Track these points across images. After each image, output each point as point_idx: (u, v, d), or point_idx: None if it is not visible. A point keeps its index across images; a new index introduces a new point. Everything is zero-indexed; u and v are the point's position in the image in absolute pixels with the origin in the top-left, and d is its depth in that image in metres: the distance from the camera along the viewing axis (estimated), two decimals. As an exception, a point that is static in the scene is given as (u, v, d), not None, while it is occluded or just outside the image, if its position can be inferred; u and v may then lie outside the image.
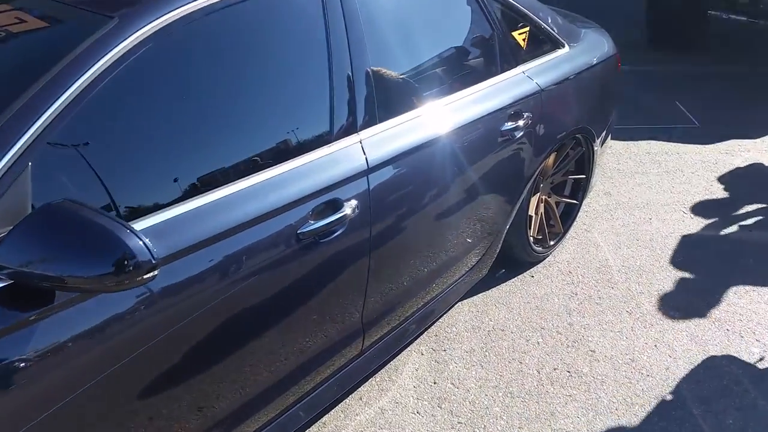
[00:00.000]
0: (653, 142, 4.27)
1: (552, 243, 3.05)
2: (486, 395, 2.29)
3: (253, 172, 1.55)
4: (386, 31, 1.99)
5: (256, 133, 1.61)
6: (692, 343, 2.53)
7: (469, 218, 2.34)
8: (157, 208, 1.38)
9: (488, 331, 2.60)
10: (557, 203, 3.08)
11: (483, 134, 2.26)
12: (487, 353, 2.48)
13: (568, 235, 3.20)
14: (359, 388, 2.27)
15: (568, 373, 2.39)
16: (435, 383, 2.33)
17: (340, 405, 2.19)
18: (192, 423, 1.55)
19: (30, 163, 1.20)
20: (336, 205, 1.71)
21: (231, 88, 1.57)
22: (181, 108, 1.47)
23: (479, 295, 2.79)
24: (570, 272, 2.97)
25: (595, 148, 3.03)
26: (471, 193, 2.27)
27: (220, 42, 1.54)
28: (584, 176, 3.10)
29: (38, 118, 1.20)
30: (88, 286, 1.13)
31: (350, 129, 1.79)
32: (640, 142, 4.28)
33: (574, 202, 3.14)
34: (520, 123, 2.39)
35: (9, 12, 1.47)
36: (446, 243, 2.27)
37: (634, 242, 3.19)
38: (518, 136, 2.40)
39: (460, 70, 2.28)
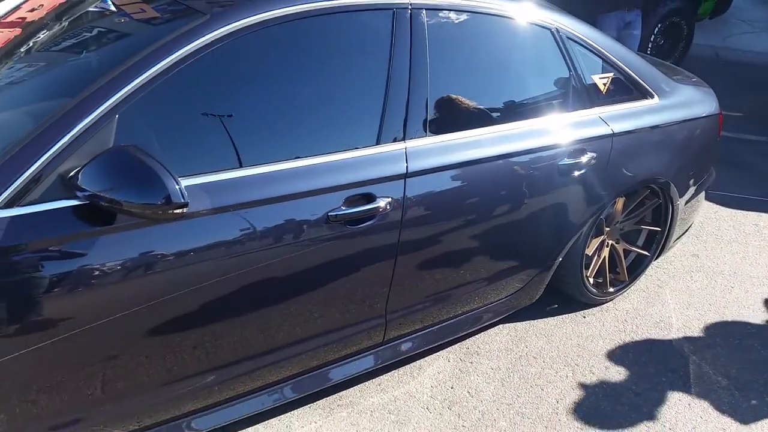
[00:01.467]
0: (765, 215, 4.05)
1: (612, 290, 3.05)
2: (497, 409, 2.39)
3: (298, 158, 1.85)
4: (452, 57, 2.22)
5: (308, 124, 1.91)
6: (723, 415, 2.45)
7: (509, 243, 2.47)
8: (213, 170, 1.72)
9: (520, 355, 2.69)
10: (626, 251, 3.09)
11: (537, 164, 2.39)
12: (511, 374, 2.58)
13: (635, 287, 3.18)
14: (379, 376, 2.47)
15: (586, 410, 2.43)
16: (452, 388, 2.47)
17: (358, 386, 2.41)
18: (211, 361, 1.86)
19: (117, 115, 1.58)
20: (369, 198, 1.96)
21: (293, 84, 1.89)
22: (247, 95, 1.81)
23: (523, 322, 2.88)
24: (625, 321, 2.97)
25: (676, 204, 3.00)
26: (514, 218, 2.40)
27: (290, 46, 1.87)
28: (659, 229, 3.08)
29: (129, 84, 1.58)
30: (136, 211, 1.49)
31: (397, 136, 2.03)
32: (750, 212, 4.07)
33: (646, 253, 3.12)
34: (582, 161, 2.49)
35: (137, 3, 1.91)
36: (481, 262, 2.42)
37: (705, 306, 3.09)
38: (577, 174, 2.50)
39: (523, 102, 2.44)
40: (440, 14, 2.14)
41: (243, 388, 2.02)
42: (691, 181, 3.08)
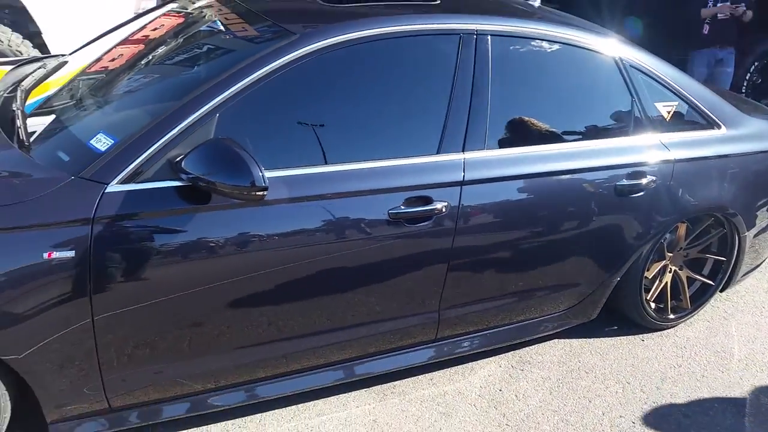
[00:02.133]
0: None
1: (673, 316, 3.08)
2: (542, 414, 2.51)
3: (366, 160, 2.11)
4: (513, 79, 2.42)
5: (376, 131, 2.18)
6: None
7: (563, 257, 2.59)
8: (292, 165, 2.01)
9: (572, 369, 2.78)
10: (690, 279, 3.11)
11: (593, 182, 2.52)
12: (561, 385, 2.68)
13: (698, 316, 3.18)
14: (432, 372, 2.65)
15: (632, 424, 2.49)
16: (500, 391, 2.61)
17: (410, 378, 2.60)
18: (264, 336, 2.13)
19: (217, 114, 1.90)
20: (427, 201, 2.18)
21: (365, 97, 2.17)
22: (325, 103, 2.11)
23: (579, 339, 2.97)
24: (684, 347, 2.99)
25: (743, 234, 3.01)
26: (568, 233, 2.54)
27: (366, 64, 2.16)
28: (725, 259, 3.08)
29: (228, 89, 1.91)
30: (227, 191, 1.79)
31: (456, 147, 2.25)
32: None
33: (710, 282, 3.12)
34: (641, 182, 2.60)
35: (237, 21, 2.27)
36: (533, 273, 2.56)
37: (772, 342, 3.05)
38: (636, 196, 2.61)
39: (581, 123, 2.59)
40: (504, 40, 2.36)
41: (308, 363, 2.27)
42: (762, 214, 3.07)
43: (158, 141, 1.85)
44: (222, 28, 2.35)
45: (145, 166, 1.84)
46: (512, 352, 2.84)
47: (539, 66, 2.51)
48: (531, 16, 2.59)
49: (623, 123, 2.66)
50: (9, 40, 3.92)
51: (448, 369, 2.69)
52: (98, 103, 2.22)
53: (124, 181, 1.82)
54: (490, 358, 2.78)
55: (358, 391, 2.49)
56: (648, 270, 2.91)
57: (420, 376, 2.62)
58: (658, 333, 3.07)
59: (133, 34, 2.67)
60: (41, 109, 2.27)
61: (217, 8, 2.47)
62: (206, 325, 2.02)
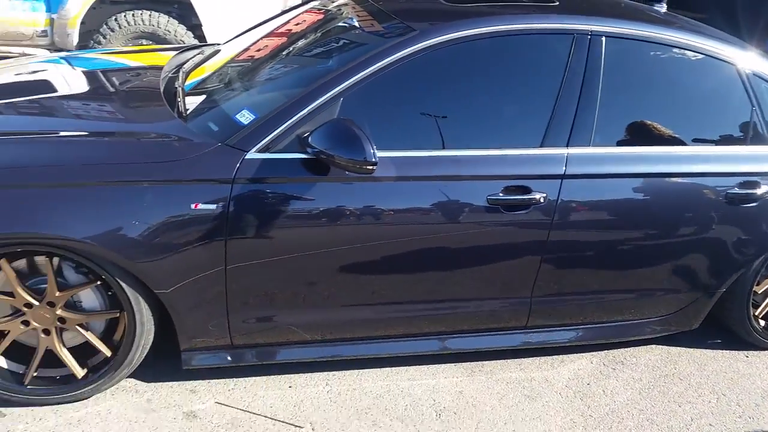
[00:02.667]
0: None
1: (784, 336, 2.96)
2: (628, 411, 2.55)
3: (470, 147, 2.28)
4: (626, 81, 2.49)
5: (482, 121, 2.35)
6: None
7: (663, 260, 2.60)
8: (402, 148, 2.23)
9: (666, 374, 2.78)
10: (807, 301, 2.97)
11: (700, 187, 2.52)
12: (652, 389, 2.69)
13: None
14: (521, 358, 2.76)
15: (720, 435, 2.47)
16: (588, 384, 2.68)
17: (499, 360, 2.73)
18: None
19: (342, 99, 2.17)
20: (525, 190, 2.32)
21: (475, 88, 2.35)
22: (437, 93, 2.31)
23: (678, 347, 2.95)
24: (794, 369, 2.87)
25: None
26: (670, 237, 2.56)
27: (478, 58, 2.33)
28: None
29: (352, 77, 2.17)
30: (343, 163, 2.05)
31: (560, 142, 2.36)
32: None
33: (832, 308, 2.97)
34: (755, 192, 2.56)
35: (368, 18, 2.53)
36: (631, 273, 2.60)
37: None
38: (748, 206, 2.57)
39: (692, 128, 2.59)
40: (618, 41, 2.43)
41: (403, 331, 2.49)
42: None
43: (291, 118, 2.15)
44: (355, 24, 2.62)
45: (278, 139, 2.14)
46: (605, 351, 2.88)
47: (653, 69, 2.54)
48: (649, 20, 2.63)
49: (740, 132, 2.63)
50: (175, 31, 4.50)
51: (537, 357, 2.79)
52: (244, 85, 2.57)
53: (260, 150, 2.13)
54: (582, 354, 2.84)
55: (447, 365, 2.67)
56: (758, 285, 2.83)
57: (508, 360, 2.75)
58: (766, 352, 2.97)
59: (278, 27, 3.02)
60: (197, 88, 2.66)
61: (351, 6, 2.75)
62: (317, 283, 2.29)
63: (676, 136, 2.58)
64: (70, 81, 2.81)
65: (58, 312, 2.15)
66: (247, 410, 2.34)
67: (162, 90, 2.58)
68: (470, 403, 2.50)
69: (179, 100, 2.45)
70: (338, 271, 2.28)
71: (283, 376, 2.52)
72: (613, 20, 2.48)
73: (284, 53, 2.75)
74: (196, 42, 4.62)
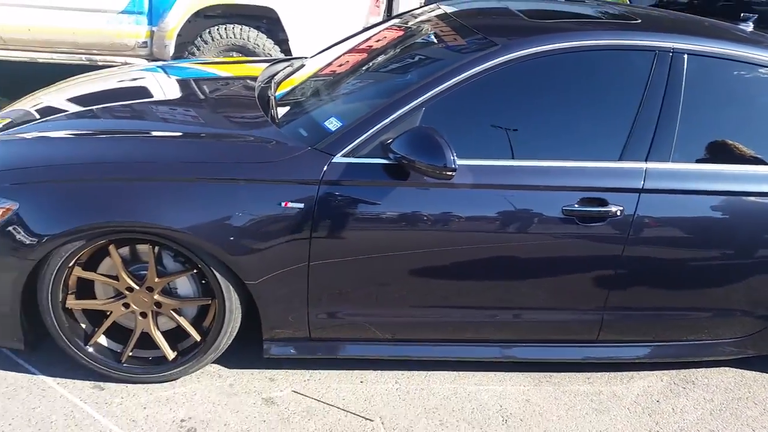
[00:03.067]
0: None
1: None
2: (697, 431, 2.52)
3: (547, 159, 2.35)
4: (708, 98, 2.49)
5: (560, 133, 2.41)
6: None
7: (740, 282, 2.56)
8: (479, 156, 2.32)
9: (740, 397, 2.72)
10: None
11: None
12: (723, 410, 2.65)
13: None
14: (589, 372, 2.77)
15: (798, 463, 2.40)
16: (657, 402, 2.66)
17: (567, 372, 2.75)
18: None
19: (424, 108, 2.29)
20: (602, 203, 2.35)
21: (555, 101, 2.42)
22: (516, 105, 2.39)
23: (754, 371, 2.88)
24: None
25: None
26: (749, 257, 2.52)
27: (558, 72, 2.40)
28: None
29: (434, 88, 2.28)
30: (423, 168, 2.15)
31: (638, 156, 2.39)
32: None
33: None
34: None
35: (451, 33, 2.64)
36: (706, 292, 2.58)
37: None
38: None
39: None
40: (700, 59, 2.44)
41: (471, 336, 2.56)
42: None
43: (375, 126, 2.28)
44: (438, 38, 2.74)
45: (363, 145, 2.27)
46: (677, 370, 2.85)
47: (736, 87, 2.54)
48: (734, 39, 2.63)
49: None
50: (263, 45, 4.76)
51: (606, 373, 2.79)
52: (331, 95, 2.73)
53: (346, 155, 2.27)
54: (652, 371, 2.82)
55: (514, 373, 2.71)
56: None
57: (576, 374, 2.77)
58: None
59: (362, 42, 3.18)
60: (288, 97, 2.84)
61: (434, 23, 2.88)
62: (391, 284, 2.40)
63: (758, 156, 2.55)
64: (165, 87, 3.07)
65: (156, 297, 2.34)
66: (321, 400, 2.47)
67: (257, 97, 2.77)
68: (537, 411, 2.54)
69: (272, 107, 2.63)
70: (411, 273, 2.38)
71: (355, 371, 2.63)
72: (695, 38, 2.50)
73: (368, 66, 2.90)
74: (282, 55, 4.86)
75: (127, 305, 2.35)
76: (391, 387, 2.58)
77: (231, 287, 2.32)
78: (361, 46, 3.16)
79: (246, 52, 4.79)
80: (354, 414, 2.42)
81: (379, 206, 2.28)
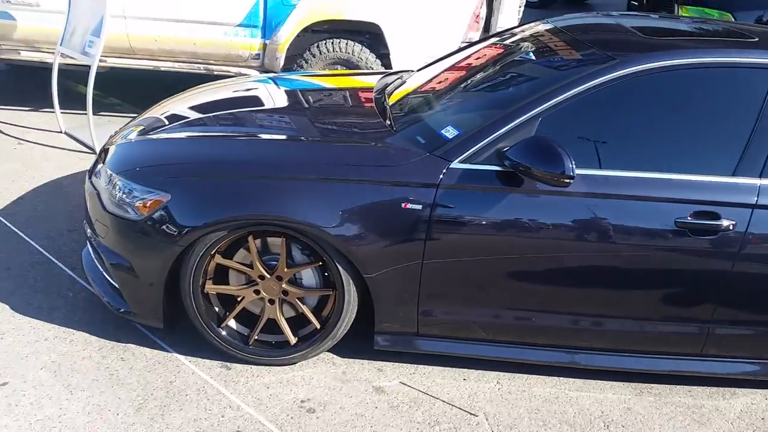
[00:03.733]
0: None
1: None
2: (807, 453, 2.48)
3: (660, 171, 2.41)
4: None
5: (673, 147, 2.46)
6: None
7: None
8: (592, 166, 2.40)
9: None
10: None
11: None
12: (836, 434, 2.59)
13: None
14: (690, 385, 2.77)
15: None
16: (763, 419, 2.64)
17: (668, 384, 2.76)
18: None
19: (540, 119, 2.40)
20: (714, 217, 2.39)
21: (669, 115, 2.47)
22: (630, 118, 2.47)
23: None
24: None
25: None
26: None
27: (674, 87, 2.46)
28: None
29: (551, 100, 2.40)
30: (540, 176, 2.27)
31: (753, 173, 2.41)
32: None
33: None
34: None
35: (564, 47, 2.75)
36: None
37: None
38: None
39: None
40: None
41: (574, 343, 2.64)
42: None
43: (492, 134, 2.41)
44: (548, 54, 2.85)
45: (479, 152, 2.41)
46: (783, 390, 2.81)
47: None
48: None
49: None
50: (366, 59, 4.99)
51: (708, 387, 2.79)
52: (444, 105, 2.88)
53: (462, 161, 2.42)
54: (757, 389, 2.79)
55: (615, 382, 2.76)
56: None
57: (678, 386, 2.78)
58: None
59: (467, 57, 3.33)
60: (401, 106, 3.01)
61: (546, 37, 2.99)
62: (499, 286, 2.51)
63: None
64: (279, 97, 3.33)
65: (284, 286, 2.56)
66: (427, 393, 2.61)
67: (374, 106, 2.97)
68: (639, 419, 2.58)
69: (388, 116, 2.81)
70: (520, 277, 2.50)
71: (457, 369, 2.76)
72: (817, 57, 2.50)
73: (478, 79, 3.04)
74: (382, 68, 5.08)
75: (257, 292, 2.58)
76: (493, 386, 2.69)
77: (351, 280, 2.50)
78: (467, 61, 3.31)
79: (349, 65, 5.03)
80: (459, 408, 2.55)
81: (492, 210, 2.40)
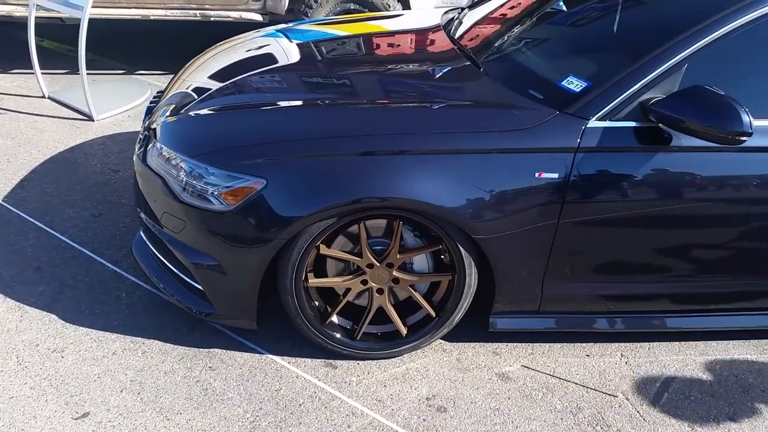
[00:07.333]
0: None
1: None
2: None
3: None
4: None
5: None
6: None
7: None
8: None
9: None
10: None
11: None
12: None
13: None
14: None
15: None
16: None
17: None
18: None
19: (685, 65, 2.09)
20: None
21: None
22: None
23: None
24: None
25: None
26: None
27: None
28: None
29: (701, 39, 2.10)
30: (702, 131, 1.98)
31: None
32: None
33: None
34: None
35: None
36: None
37: None
38: None
39: None
40: None
41: (715, 306, 2.45)
42: None
43: (634, 86, 2.09)
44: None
45: (620, 107, 2.10)
46: None
47: None
48: None
49: None
50: (383, -3, 4.51)
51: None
52: (554, 49, 2.55)
53: (601, 119, 2.10)
54: None
55: (736, 341, 2.60)
56: None
57: (798, 340, 2.65)
58: None
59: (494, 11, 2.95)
60: (490, 54, 2.64)
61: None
62: (640, 255, 2.24)
63: None
64: (313, 52, 2.87)
65: (394, 273, 2.23)
66: (556, 375, 2.38)
67: (461, 53, 2.59)
68: (775, 382, 2.44)
69: (479, 65, 2.45)
70: (668, 244, 2.24)
71: (576, 344, 2.54)
72: None
73: (589, 11, 2.68)
74: (400, 8, 4.62)
75: (364, 282, 2.25)
76: (618, 360, 2.48)
77: (473, 262, 2.20)
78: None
79: (365, 5, 4.55)
80: (594, 390, 2.34)
81: (637, 172, 2.11)
